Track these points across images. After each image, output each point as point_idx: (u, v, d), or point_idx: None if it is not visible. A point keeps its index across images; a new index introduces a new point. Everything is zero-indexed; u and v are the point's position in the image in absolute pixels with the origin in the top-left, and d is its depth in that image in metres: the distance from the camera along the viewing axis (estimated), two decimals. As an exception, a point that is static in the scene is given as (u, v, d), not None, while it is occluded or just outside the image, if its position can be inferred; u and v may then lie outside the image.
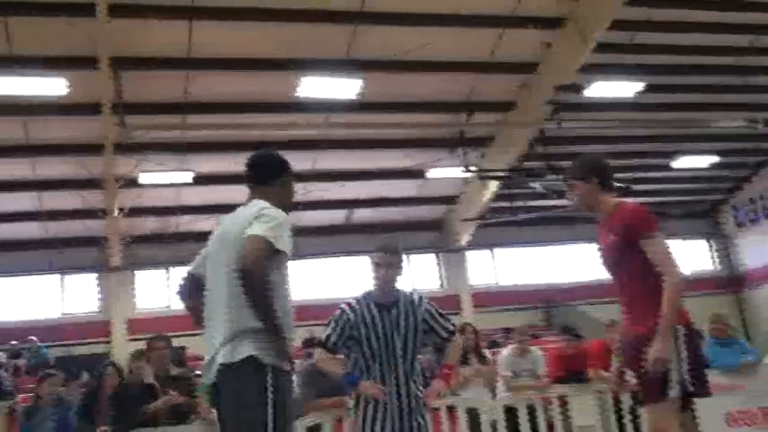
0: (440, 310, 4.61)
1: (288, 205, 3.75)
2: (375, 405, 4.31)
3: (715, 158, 22.28)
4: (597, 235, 4.21)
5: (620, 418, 8.00)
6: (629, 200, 4.29)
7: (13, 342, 18.71)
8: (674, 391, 3.73)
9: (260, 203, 3.57)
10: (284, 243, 3.40)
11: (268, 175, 3.75)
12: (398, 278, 4.50)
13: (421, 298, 4.58)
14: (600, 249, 4.18)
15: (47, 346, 18.81)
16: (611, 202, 4.13)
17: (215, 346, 3.42)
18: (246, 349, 3.33)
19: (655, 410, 3.82)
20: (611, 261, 4.08)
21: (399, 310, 4.43)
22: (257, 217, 3.43)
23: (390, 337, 4.36)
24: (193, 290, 3.70)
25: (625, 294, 4.04)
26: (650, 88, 17.33)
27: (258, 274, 3.26)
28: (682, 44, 17.13)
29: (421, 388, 4.48)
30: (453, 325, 4.69)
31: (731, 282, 26.29)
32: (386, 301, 4.43)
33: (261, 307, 3.29)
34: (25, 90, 13.32)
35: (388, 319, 4.39)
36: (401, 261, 4.51)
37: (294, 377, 3.55)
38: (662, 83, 18.20)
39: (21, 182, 17.39)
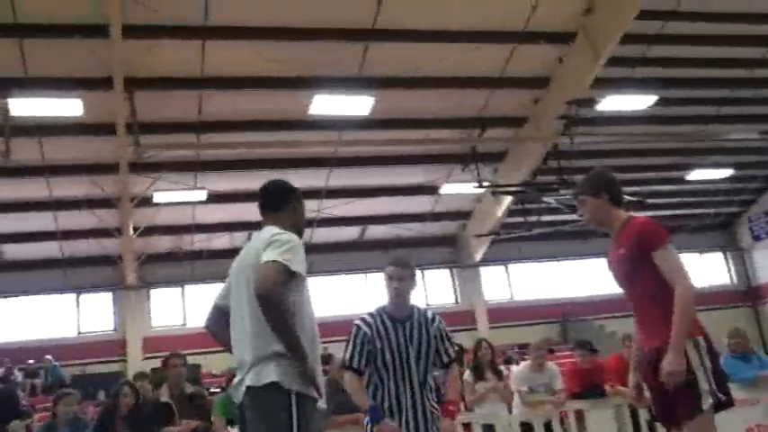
0: (449, 334, 4.61)
1: (301, 227, 3.88)
2: (390, 417, 4.29)
3: (730, 171, 22.20)
4: (608, 250, 4.19)
5: (638, 434, 7.94)
6: (640, 214, 4.25)
7: (30, 361, 18.81)
8: (707, 403, 3.68)
9: (272, 229, 3.66)
10: (299, 265, 3.47)
11: (278, 201, 3.87)
12: (411, 291, 4.50)
13: (434, 315, 4.58)
14: (611, 264, 4.15)
15: (62, 365, 18.91)
16: (622, 217, 4.10)
17: (243, 370, 3.49)
18: (270, 374, 3.37)
19: (692, 427, 3.73)
20: (623, 275, 4.05)
21: (413, 324, 4.44)
22: (270, 243, 3.51)
23: (405, 349, 4.37)
24: (220, 321, 3.75)
25: (638, 308, 4.01)
26: (663, 101, 17.31)
27: (275, 299, 3.33)
28: (694, 57, 17.13)
29: (435, 403, 4.46)
30: (455, 354, 4.68)
31: (748, 295, 26.11)
32: (400, 315, 4.44)
33: (281, 331, 3.35)
34: (41, 111, 13.44)
35: (402, 333, 4.39)
36: (413, 274, 4.51)
37: (320, 403, 3.54)
38: (675, 96, 18.18)
39: (37, 202, 17.50)
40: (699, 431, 3.71)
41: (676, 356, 3.66)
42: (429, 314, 4.56)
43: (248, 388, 3.44)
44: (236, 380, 3.57)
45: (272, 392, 3.35)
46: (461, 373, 8.29)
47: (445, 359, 4.52)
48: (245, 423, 3.49)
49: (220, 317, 3.73)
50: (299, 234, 3.77)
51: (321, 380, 3.56)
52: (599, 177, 4.24)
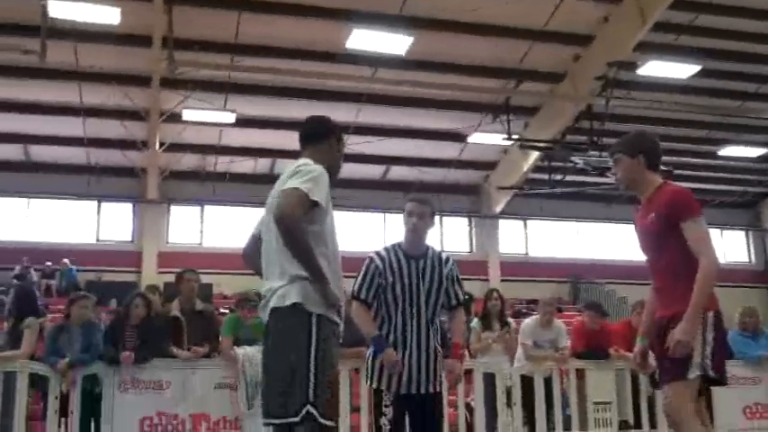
0: (460, 278, 4.64)
1: (336, 165, 3.90)
2: (394, 351, 4.33)
3: (763, 151, 21.86)
4: (636, 214, 4.12)
5: (636, 399, 8.01)
6: (674, 183, 4.12)
7: (48, 263, 19.14)
8: (693, 373, 3.65)
9: (301, 160, 3.71)
10: (319, 194, 3.51)
11: (318, 135, 3.90)
12: (428, 230, 4.52)
13: (448, 257, 4.61)
14: (638, 229, 4.06)
15: (78, 270, 19.23)
16: (655, 182, 4.01)
17: (270, 291, 3.58)
18: (293, 296, 3.46)
19: (671, 390, 3.73)
20: (649, 242, 3.97)
21: (426, 262, 4.47)
22: (295, 173, 3.57)
23: (416, 285, 4.40)
24: (256, 249, 3.80)
25: (658, 277, 3.95)
26: (705, 73, 17.00)
27: (292, 223, 3.39)
28: (742, 30, 16.71)
29: (439, 345, 4.50)
30: (463, 297, 4.70)
31: (765, 275, 25.98)
32: (414, 252, 4.46)
33: (299, 254, 3.43)
34: (79, 16, 13.41)
35: (415, 269, 4.42)
36: (432, 213, 4.53)
37: (340, 326, 3.62)
38: (718, 68, 17.84)
39: (67, 106, 17.60)
40: (677, 396, 3.71)
41: (689, 327, 3.64)
42: (443, 255, 4.59)
43: (273, 309, 3.53)
44: (262, 302, 3.66)
45: (294, 312, 3.45)
46: (468, 322, 8.37)
47: (453, 301, 4.56)
48: (269, 343, 3.58)
49: (257, 244, 3.79)
50: (334, 172, 3.82)
51: (342, 305, 3.62)
52: (639, 138, 4.15)
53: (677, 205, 3.82)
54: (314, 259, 3.44)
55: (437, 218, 4.68)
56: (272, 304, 3.54)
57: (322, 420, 3.35)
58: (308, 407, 3.32)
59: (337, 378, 3.65)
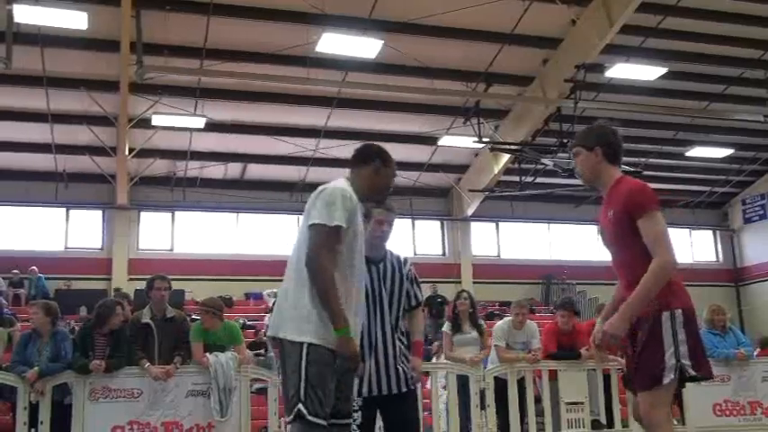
0: (418, 279, 4.74)
1: (376, 190, 4.00)
2: (360, 354, 4.36)
3: (730, 151, 22.17)
4: (600, 210, 4.03)
5: (608, 399, 8.08)
6: (631, 178, 3.97)
7: (15, 271, 18.88)
8: (667, 378, 3.58)
9: (334, 182, 3.82)
10: (338, 217, 3.62)
11: (361, 159, 4.02)
12: (390, 236, 4.61)
13: (406, 258, 4.72)
14: (600, 226, 3.98)
15: (47, 278, 18.99)
16: (613, 177, 3.88)
17: (277, 300, 3.84)
18: (287, 327, 3.63)
19: (647, 396, 3.67)
20: (610, 239, 3.89)
21: (386, 266, 4.55)
22: (314, 201, 3.70)
23: (378, 290, 4.46)
24: None
25: (621, 273, 3.86)
26: (672, 74, 17.21)
27: (320, 267, 3.55)
28: (708, 32, 16.93)
29: (404, 341, 4.55)
30: (422, 297, 4.83)
31: (732, 275, 26.30)
32: (375, 256, 4.50)
33: (323, 298, 3.55)
34: (46, 21, 13.26)
35: (377, 273, 4.49)
36: (395, 219, 4.66)
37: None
38: (684, 70, 18.08)
39: (34, 112, 17.37)
40: (652, 402, 3.64)
41: (619, 321, 3.60)
42: (402, 257, 4.68)
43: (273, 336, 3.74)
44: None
45: (288, 347, 3.62)
46: (440, 325, 8.39)
47: (413, 302, 4.66)
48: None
49: None
50: (379, 197, 4.07)
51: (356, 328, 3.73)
52: (597, 130, 4.01)
53: (632, 202, 3.71)
54: (335, 305, 3.54)
55: (409, 221, 4.74)
56: (270, 328, 3.78)
57: (310, 417, 3.49)
58: (299, 405, 3.50)
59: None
